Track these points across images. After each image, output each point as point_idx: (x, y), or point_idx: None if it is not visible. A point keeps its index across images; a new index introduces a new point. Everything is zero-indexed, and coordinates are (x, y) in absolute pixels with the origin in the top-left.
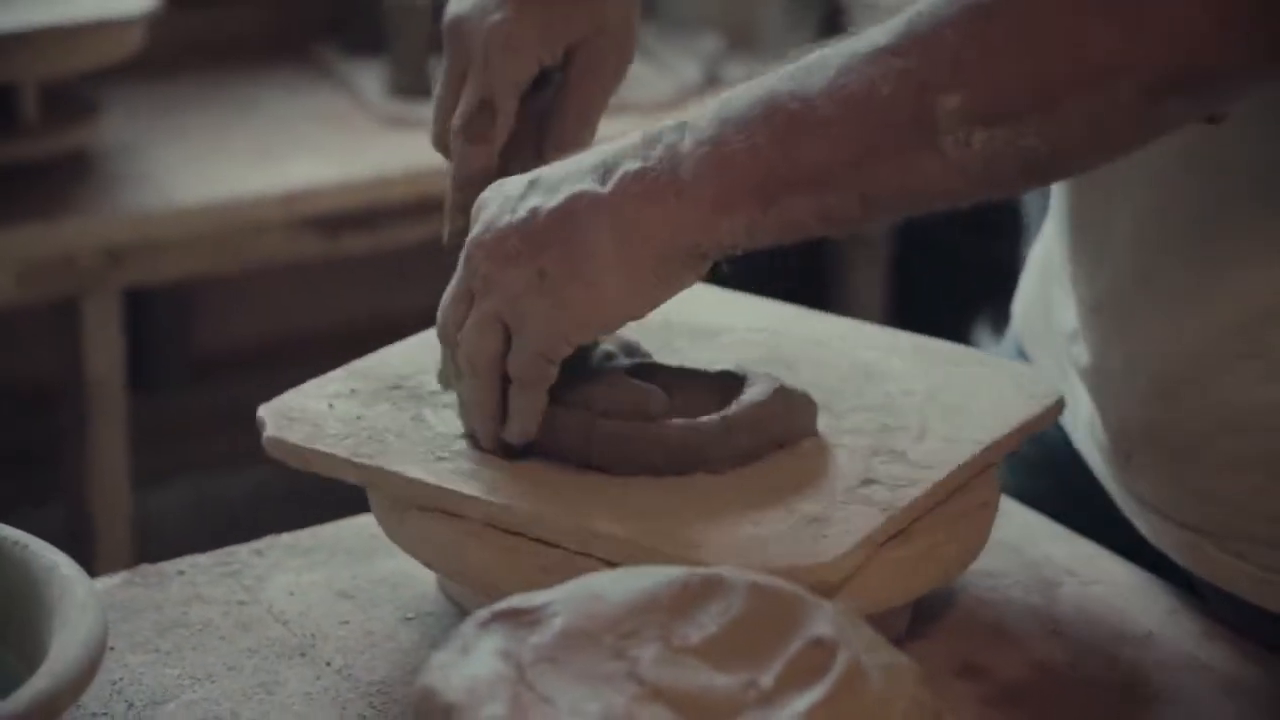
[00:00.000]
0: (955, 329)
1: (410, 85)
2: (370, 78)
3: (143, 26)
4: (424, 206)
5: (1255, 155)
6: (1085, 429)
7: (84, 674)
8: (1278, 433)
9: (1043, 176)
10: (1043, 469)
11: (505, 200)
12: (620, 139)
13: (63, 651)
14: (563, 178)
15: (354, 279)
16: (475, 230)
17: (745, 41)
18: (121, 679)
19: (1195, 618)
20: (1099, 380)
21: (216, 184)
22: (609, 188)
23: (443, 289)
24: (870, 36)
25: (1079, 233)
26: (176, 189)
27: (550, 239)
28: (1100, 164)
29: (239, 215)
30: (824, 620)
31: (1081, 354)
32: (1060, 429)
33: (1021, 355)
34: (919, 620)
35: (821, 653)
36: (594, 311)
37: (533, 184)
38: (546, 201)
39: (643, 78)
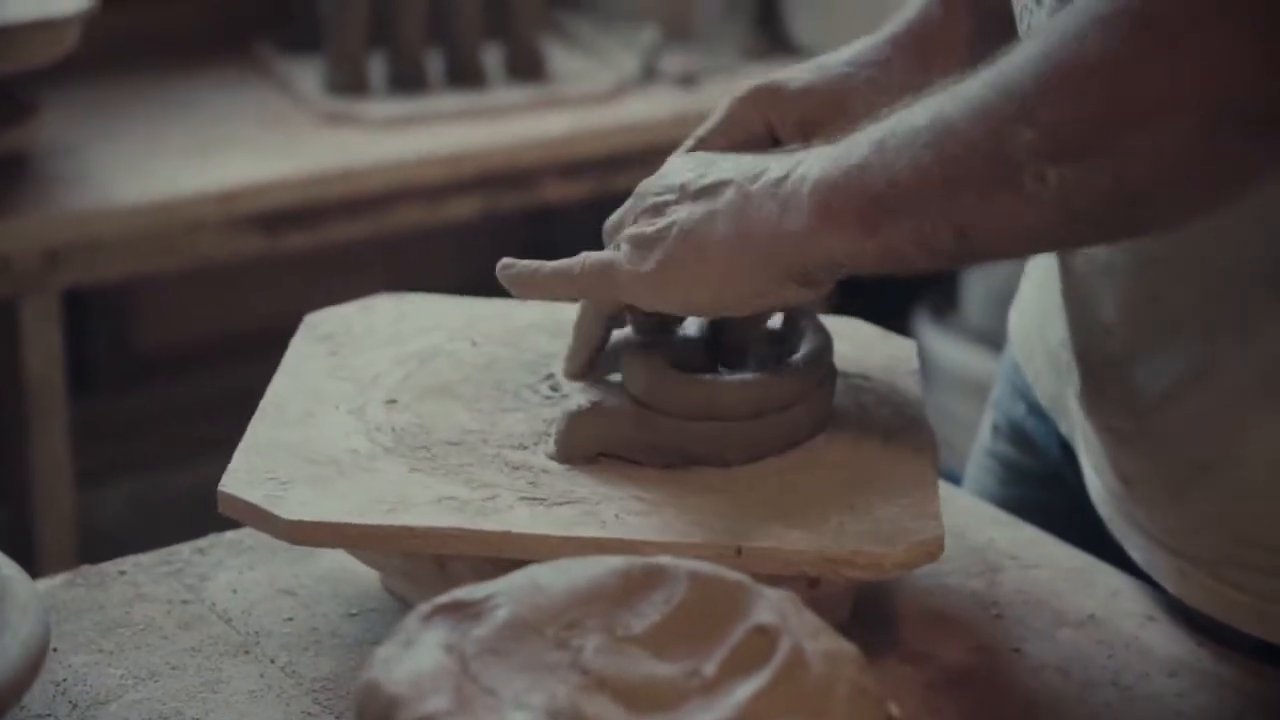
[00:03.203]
0: (896, 314)
1: (348, 83)
2: (308, 75)
3: (78, 26)
4: (362, 203)
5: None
6: (1083, 448)
7: (25, 675)
8: (1275, 460)
9: (1125, 220)
10: (1040, 481)
11: (683, 163)
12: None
13: (3, 653)
14: (738, 164)
15: (293, 276)
16: (647, 180)
17: (682, 33)
18: (65, 680)
19: (1136, 600)
20: (1099, 403)
21: (155, 183)
22: (755, 186)
23: (380, 286)
24: (981, 70)
25: (1086, 255)
26: (115, 188)
27: (694, 205)
28: (1181, 210)
29: (178, 214)
30: (766, 608)
31: (1081, 375)
32: (1062, 442)
33: (1018, 372)
34: (861, 606)
35: (764, 640)
36: (694, 284)
37: (712, 161)
38: (706, 177)
39: (580, 70)
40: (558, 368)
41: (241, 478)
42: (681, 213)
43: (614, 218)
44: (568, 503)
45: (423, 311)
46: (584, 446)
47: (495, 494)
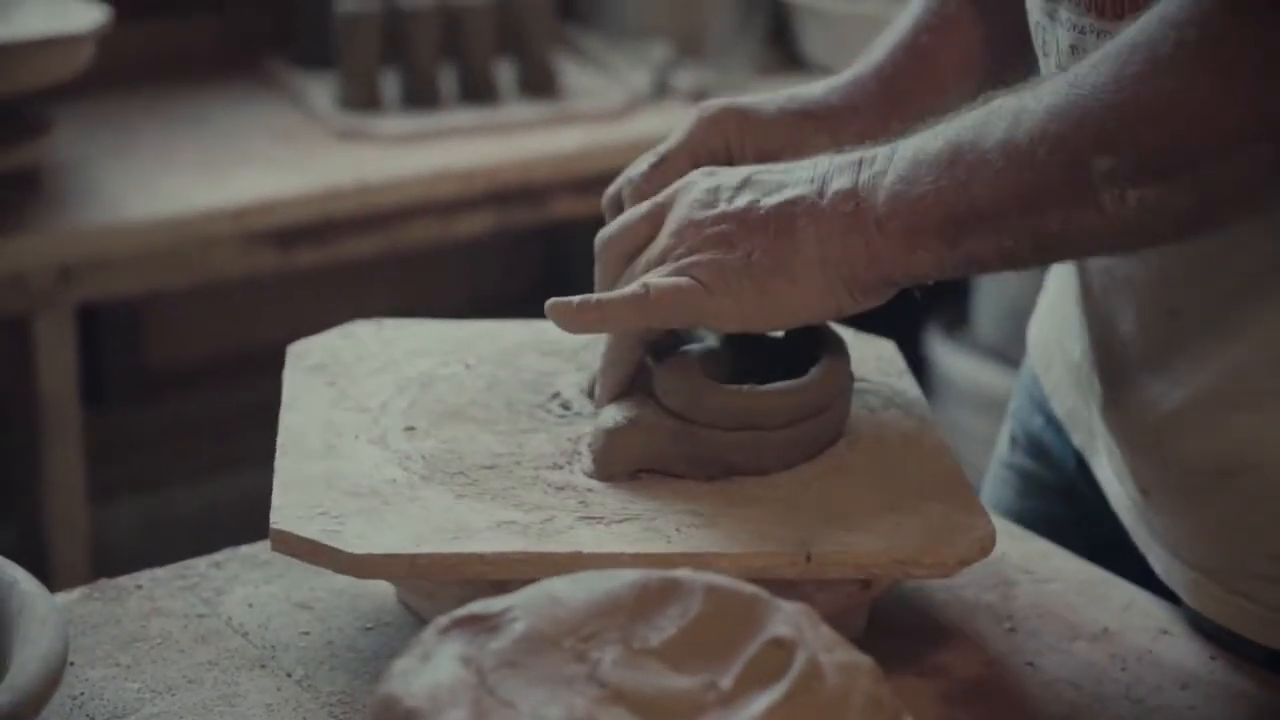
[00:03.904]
0: (907, 330)
1: (360, 98)
2: (320, 91)
3: (92, 42)
4: (375, 219)
5: None
6: (1106, 459)
7: (44, 689)
8: None
9: (1197, 229)
10: (1056, 493)
11: (718, 189)
12: (829, 153)
13: (23, 667)
14: (781, 180)
15: (306, 292)
16: (683, 209)
17: (694, 50)
18: (82, 694)
19: (1150, 614)
20: (1118, 415)
21: (168, 199)
22: (825, 201)
23: (394, 301)
24: (1040, 93)
25: (1106, 268)
26: (128, 205)
27: (766, 231)
28: (1248, 218)
29: (191, 230)
30: (783, 620)
31: (1101, 387)
32: (1078, 454)
33: (1036, 384)
34: (876, 620)
35: (781, 653)
36: (789, 303)
37: (748, 181)
38: (766, 198)
39: (592, 86)
40: (562, 385)
41: (291, 513)
42: (757, 240)
43: (618, 235)
44: (625, 520)
45: (406, 336)
46: (624, 462)
47: (550, 515)
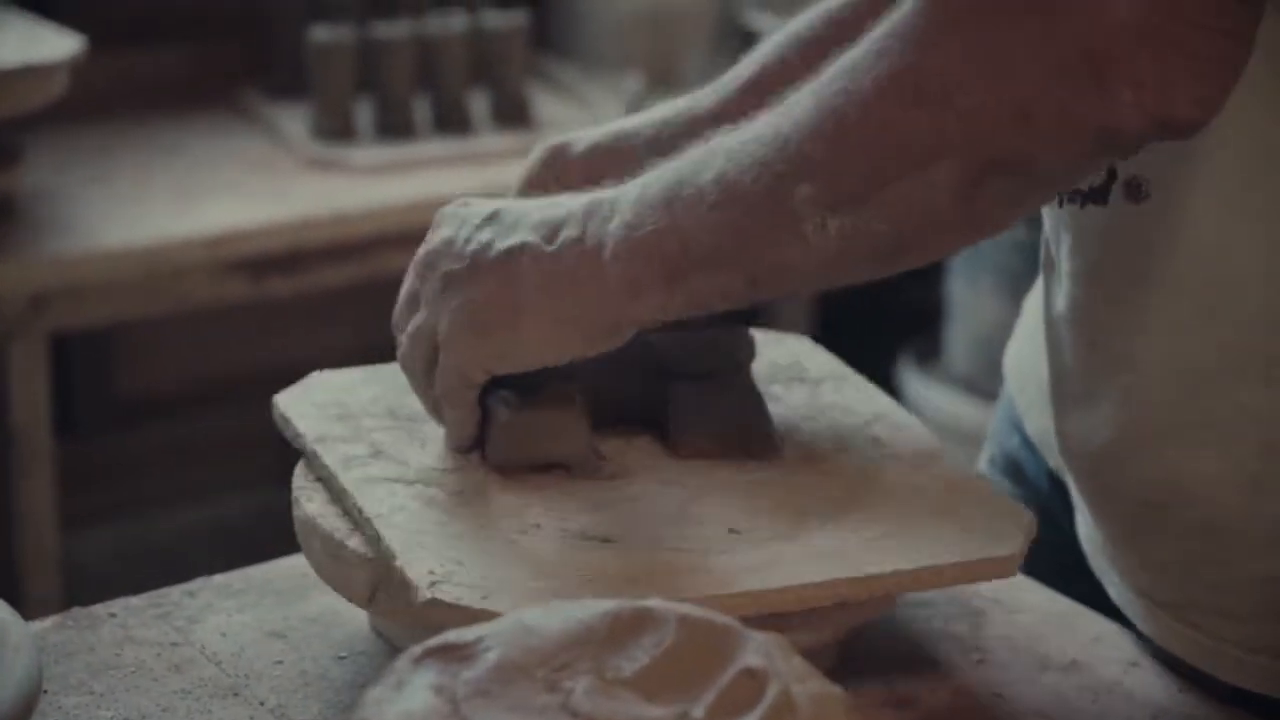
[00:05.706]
0: (882, 365)
1: (334, 128)
2: (293, 121)
3: (66, 71)
4: (347, 249)
5: (1183, 233)
6: (1071, 485)
7: (19, 716)
8: (1217, 501)
9: (893, 262)
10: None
11: (464, 224)
12: (569, 197)
13: None
14: (518, 221)
15: (278, 321)
16: (430, 243)
17: (667, 80)
18: None
19: (1119, 646)
20: (1063, 445)
21: (140, 228)
22: (551, 249)
23: (366, 330)
24: (753, 126)
25: (1052, 300)
26: (100, 233)
27: (491, 276)
28: (944, 249)
29: (163, 259)
30: (755, 651)
31: (1054, 417)
32: (1052, 477)
33: (1012, 405)
34: (847, 651)
35: (753, 683)
36: (511, 351)
37: (493, 217)
38: (499, 240)
39: (565, 117)
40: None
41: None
42: (481, 287)
43: (403, 302)
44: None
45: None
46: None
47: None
